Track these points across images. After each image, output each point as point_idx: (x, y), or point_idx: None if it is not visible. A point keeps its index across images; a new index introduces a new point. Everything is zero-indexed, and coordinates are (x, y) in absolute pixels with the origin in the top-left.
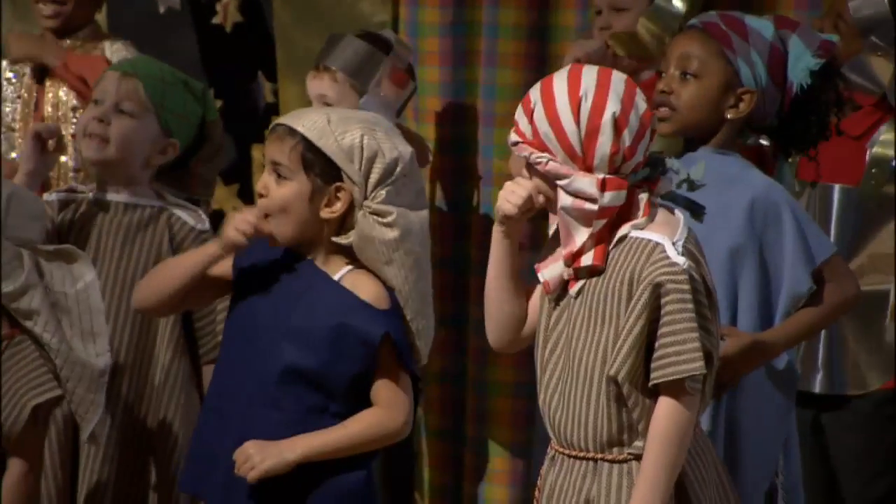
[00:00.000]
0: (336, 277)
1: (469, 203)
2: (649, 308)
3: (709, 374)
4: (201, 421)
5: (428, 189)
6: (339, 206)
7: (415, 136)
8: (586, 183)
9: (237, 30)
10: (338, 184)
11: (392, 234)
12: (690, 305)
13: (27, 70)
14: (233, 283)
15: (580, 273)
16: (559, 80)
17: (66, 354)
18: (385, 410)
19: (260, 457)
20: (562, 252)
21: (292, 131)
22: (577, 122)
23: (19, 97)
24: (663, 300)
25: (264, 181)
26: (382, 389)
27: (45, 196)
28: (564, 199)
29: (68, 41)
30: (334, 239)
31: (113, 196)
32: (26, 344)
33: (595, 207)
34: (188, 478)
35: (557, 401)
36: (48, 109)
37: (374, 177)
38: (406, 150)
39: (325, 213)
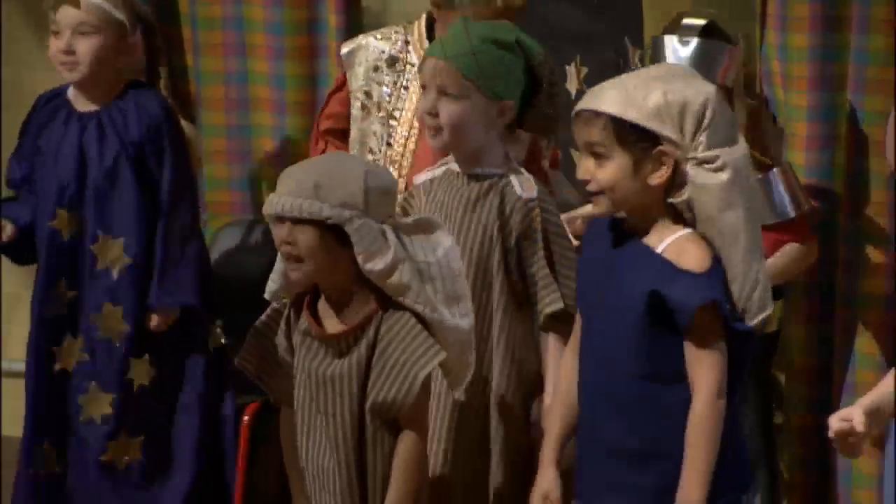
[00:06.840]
0: (660, 248)
1: (838, 169)
2: None
3: None
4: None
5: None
6: (664, 171)
7: None
8: None
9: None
10: (658, 148)
11: (725, 175)
12: None
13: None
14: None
15: None
16: None
17: (437, 324)
18: (698, 397)
19: None
20: None
21: (597, 113)
22: None
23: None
24: None
25: (585, 166)
26: (692, 369)
27: None
28: None
29: None
30: (670, 200)
31: (462, 168)
32: (406, 317)
33: None
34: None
35: None
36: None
37: (688, 128)
38: (709, 89)
39: (655, 180)
